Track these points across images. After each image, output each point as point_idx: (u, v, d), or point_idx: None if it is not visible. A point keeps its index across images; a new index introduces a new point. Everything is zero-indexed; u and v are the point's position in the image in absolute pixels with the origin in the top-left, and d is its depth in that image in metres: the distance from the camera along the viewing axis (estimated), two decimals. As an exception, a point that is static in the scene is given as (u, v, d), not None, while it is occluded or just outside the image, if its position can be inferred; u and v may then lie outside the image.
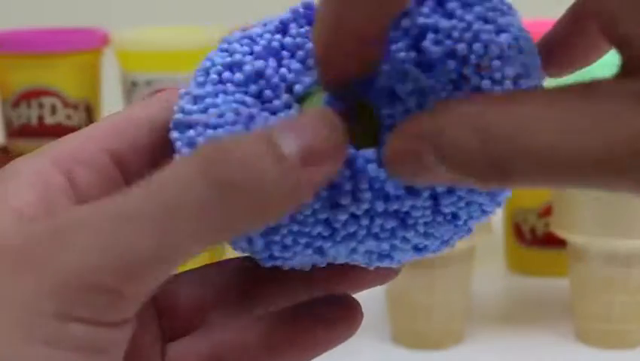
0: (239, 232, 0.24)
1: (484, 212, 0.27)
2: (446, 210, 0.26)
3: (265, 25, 0.28)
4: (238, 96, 0.27)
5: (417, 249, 0.27)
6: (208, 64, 0.28)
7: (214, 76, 0.27)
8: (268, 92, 0.27)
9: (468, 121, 0.22)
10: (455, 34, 0.25)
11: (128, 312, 0.24)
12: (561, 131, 0.22)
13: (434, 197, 0.26)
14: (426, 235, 0.27)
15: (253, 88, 0.27)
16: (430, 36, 0.25)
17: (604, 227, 0.55)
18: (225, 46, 0.28)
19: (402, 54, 0.25)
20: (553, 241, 0.67)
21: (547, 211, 0.67)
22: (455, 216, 0.26)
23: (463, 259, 0.57)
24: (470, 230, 0.27)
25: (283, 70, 0.27)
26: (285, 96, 0.27)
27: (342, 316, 0.30)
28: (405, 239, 0.27)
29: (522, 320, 0.62)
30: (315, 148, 0.23)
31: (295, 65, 0.27)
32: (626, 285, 0.56)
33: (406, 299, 0.57)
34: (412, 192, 0.26)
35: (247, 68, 0.27)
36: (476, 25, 0.25)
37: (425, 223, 0.26)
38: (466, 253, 0.57)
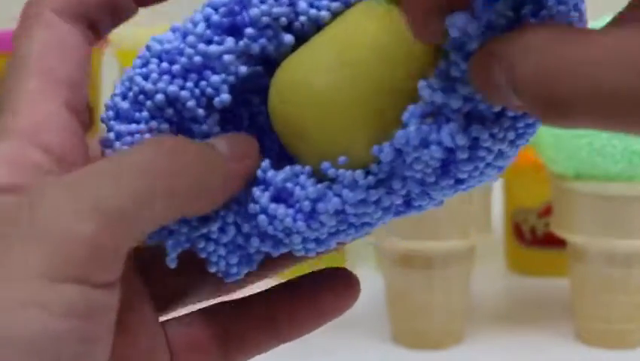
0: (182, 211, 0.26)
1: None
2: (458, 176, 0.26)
3: (194, 24, 0.28)
4: (153, 123, 0.28)
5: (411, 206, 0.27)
6: (127, 84, 0.28)
7: (131, 96, 0.28)
8: (185, 115, 0.28)
9: (535, 54, 0.23)
10: None
11: (115, 271, 0.24)
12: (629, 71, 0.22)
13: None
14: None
15: (169, 112, 0.28)
16: None
17: (604, 227, 0.55)
18: (144, 62, 0.28)
19: None
20: (553, 241, 0.67)
21: (547, 211, 0.67)
22: (461, 181, 0.26)
23: (463, 259, 0.57)
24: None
25: (202, 84, 0.27)
26: (202, 114, 0.27)
27: (342, 283, 0.31)
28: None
29: (522, 320, 0.62)
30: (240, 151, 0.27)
31: (214, 78, 0.27)
32: (625, 285, 0.56)
33: (406, 299, 0.57)
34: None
35: (159, 97, 0.27)
36: None
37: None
38: (466, 253, 0.57)
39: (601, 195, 0.55)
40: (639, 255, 0.56)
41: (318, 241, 0.28)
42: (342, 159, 0.26)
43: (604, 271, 0.56)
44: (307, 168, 0.27)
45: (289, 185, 0.27)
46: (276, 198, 0.27)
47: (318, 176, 0.27)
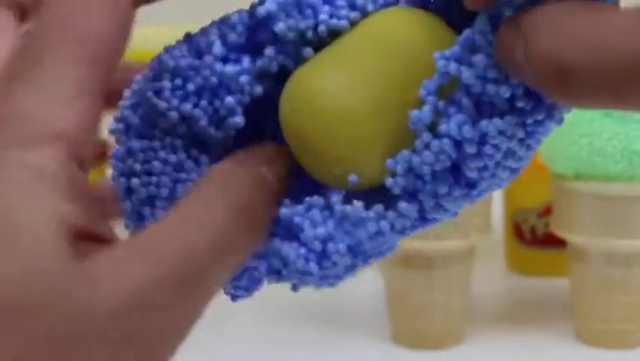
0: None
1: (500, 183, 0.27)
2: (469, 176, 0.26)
3: (210, 40, 0.27)
4: (167, 140, 0.27)
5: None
6: (137, 97, 0.27)
7: (143, 112, 0.27)
8: (197, 132, 0.27)
9: (547, 26, 0.23)
10: None
11: None
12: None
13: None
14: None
15: (182, 129, 0.27)
16: None
17: (604, 227, 0.55)
18: (156, 76, 0.27)
19: None
20: (553, 241, 0.67)
21: (547, 211, 0.67)
22: (473, 185, 0.26)
23: (463, 259, 0.57)
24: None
25: (216, 104, 0.27)
26: (215, 133, 0.27)
27: None
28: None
29: (522, 320, 0.62)
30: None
31: (229, 100, 0.27)
32: (626, 285, 0.56)
33: (406, 299, 0.57)
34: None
35: (172, 115, 0.27)
36: None
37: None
38: (466, 253, 0.57)
39: (601, 195, 0.55)
40: (639, 255, 0.56)
41: (336, 276, 0.27)
42: (352, 178, 0.26)
43: (604, 271, 0.56)
44: (319, 200, 0.26)
45: (299, 220, 0.26)
46: (287, 236, 0.26)
47: (331, 183, 0.27)
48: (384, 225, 0.26)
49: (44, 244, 0.23)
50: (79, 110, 0.24)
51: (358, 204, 0.26)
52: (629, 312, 0.57)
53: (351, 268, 0.27)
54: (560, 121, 0.25)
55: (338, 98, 0.26)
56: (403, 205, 0.26)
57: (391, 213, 0.26)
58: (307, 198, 0.26)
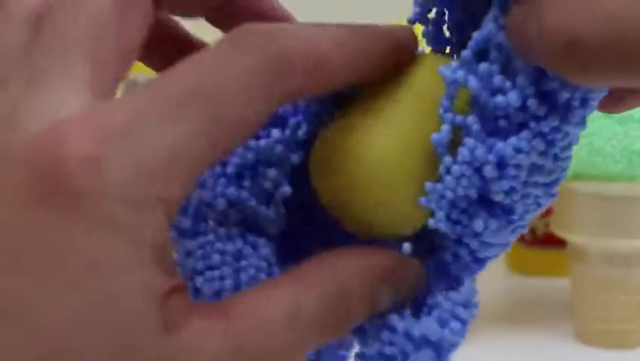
0: None
1: (539, 205, 0.26)
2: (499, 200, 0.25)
3: None
4: (222, 231, 0.26)
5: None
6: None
7: (191, 210, 0.27)
8: (248, 215, 0.27)
9: (561, 1, 0.23)
10: None
11: None
12: None
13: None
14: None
15: (233, 214, 0.27)
16: None
17: (604, 227, 0.55)
18: None
19: None
20: (553, 241, 0.67)
21: (547, 211, 0.67)
22: (509, 211, 0.26)
23: (463, 259, 0.57)
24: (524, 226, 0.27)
25: (260, 181, 0.27)
26: (266, 211, 0.27)
27: None
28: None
29: (522, 320, 0.62)
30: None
31: (272, 172, 0.27)
32: (625, 285, 0.56)
33: (406, 299, 0.57)
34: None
35: (220, 202, 0.26)
36: None
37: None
38: (466, 253, 0.58)
39: (601, 195, 0.55)
40: (639, 255, 0.56)
41: None
42: (396, 222, 0.26)
43: (604, 271, 0.56)
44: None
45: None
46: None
47: (368, 234, 0.27)
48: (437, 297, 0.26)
49: (138, 316, 0.21)
50: (180, 171, 0.22)
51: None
52: (629, 312, 0.57)
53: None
54: (581, 124, 0.25)
55: (372, 154, 0.25)
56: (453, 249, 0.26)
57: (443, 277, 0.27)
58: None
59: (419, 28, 0.28)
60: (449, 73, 0.25)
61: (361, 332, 0.26)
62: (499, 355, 0.58)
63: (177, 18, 0.29)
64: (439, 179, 0.25)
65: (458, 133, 0.25)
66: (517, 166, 0.24)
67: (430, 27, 0.28)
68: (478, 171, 0.25)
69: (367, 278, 0.26)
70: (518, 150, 0.24)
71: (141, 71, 0.69)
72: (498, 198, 0.25)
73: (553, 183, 0.26)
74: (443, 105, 0.25)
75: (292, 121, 0.27)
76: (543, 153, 0.25)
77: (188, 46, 0.30)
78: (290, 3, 0.31)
